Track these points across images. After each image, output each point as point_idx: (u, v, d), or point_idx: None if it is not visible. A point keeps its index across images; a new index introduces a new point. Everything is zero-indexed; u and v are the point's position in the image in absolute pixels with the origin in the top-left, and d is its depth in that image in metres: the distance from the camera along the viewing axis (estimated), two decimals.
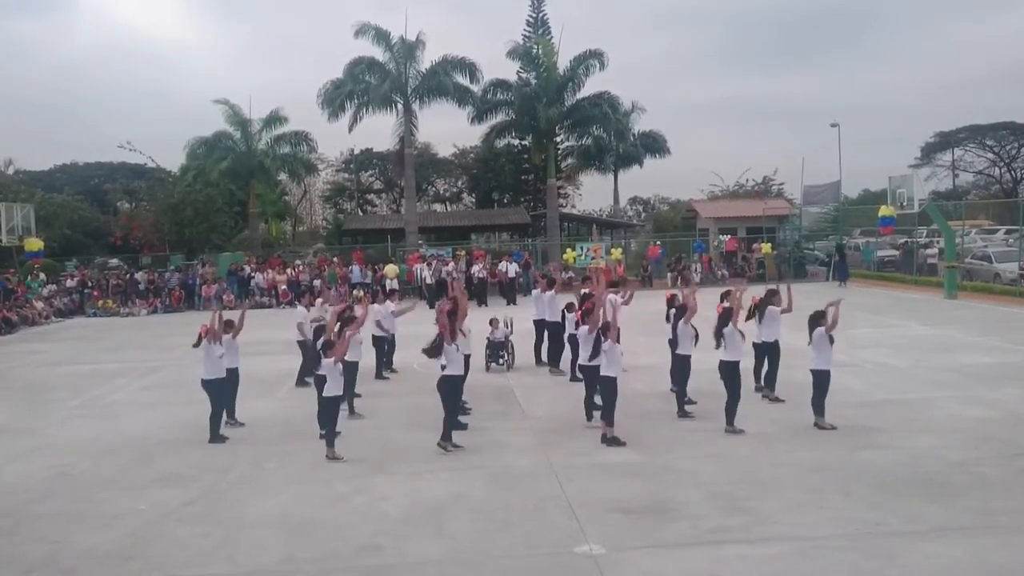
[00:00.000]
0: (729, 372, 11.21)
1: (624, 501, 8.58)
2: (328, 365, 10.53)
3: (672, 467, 9.73)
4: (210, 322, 11.70)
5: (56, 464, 10.78)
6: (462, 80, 40.46)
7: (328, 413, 10.68)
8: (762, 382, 13.24)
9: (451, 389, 10.83)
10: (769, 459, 9.91)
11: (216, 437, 11.55)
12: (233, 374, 12.13)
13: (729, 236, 39.25)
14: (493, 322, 16.20)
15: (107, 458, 11.01)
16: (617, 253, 36.78)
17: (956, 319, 21.76)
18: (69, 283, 34.53)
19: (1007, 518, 7.83)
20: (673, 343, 12.62)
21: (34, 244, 32.26)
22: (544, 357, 16.26)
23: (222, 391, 11.72)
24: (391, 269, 32.27)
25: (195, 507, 8.96)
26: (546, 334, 16.13)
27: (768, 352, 13.01)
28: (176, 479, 9.96)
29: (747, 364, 12.39)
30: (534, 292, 17.05)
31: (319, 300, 16.48)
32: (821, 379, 11.21)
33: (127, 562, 7.53)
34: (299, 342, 15.15)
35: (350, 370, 12.17)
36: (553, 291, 16.18)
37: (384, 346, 15.90)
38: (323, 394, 10.69)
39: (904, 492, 8.58)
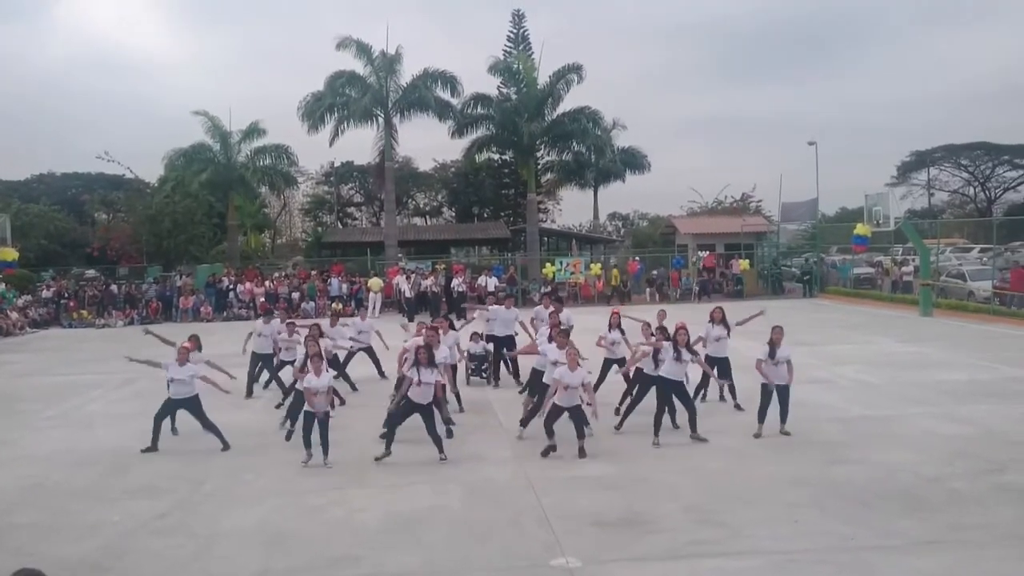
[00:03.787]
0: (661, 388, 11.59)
1: (600, 514, 8.60)
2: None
3: (648, 480, 9.77)
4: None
5: (30, 475, 10.65)
6: (443, 94, 40.54)
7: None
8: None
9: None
10: (744, 473, 9.97)
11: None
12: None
13: (708, 252, 39.57)
14: (474, 336, 16.21)
15: (82, 469, 10.90)
16: (596, 268, 36.96)
17: (931, 336, 22.00)
18: (45, 294, 34.16)
19: (980, 533, 7.91)
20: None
21: (8, 254, 32.00)
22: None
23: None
24: (375, 283, 32.43)
25: (170, 518, 8.88)
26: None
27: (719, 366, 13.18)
28: (151, 490, 9.86)
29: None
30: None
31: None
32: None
33: (101, 573, 7.47)
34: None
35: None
36: (508, 306, 16.47)
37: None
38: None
39: (879, 507, 8.65)
